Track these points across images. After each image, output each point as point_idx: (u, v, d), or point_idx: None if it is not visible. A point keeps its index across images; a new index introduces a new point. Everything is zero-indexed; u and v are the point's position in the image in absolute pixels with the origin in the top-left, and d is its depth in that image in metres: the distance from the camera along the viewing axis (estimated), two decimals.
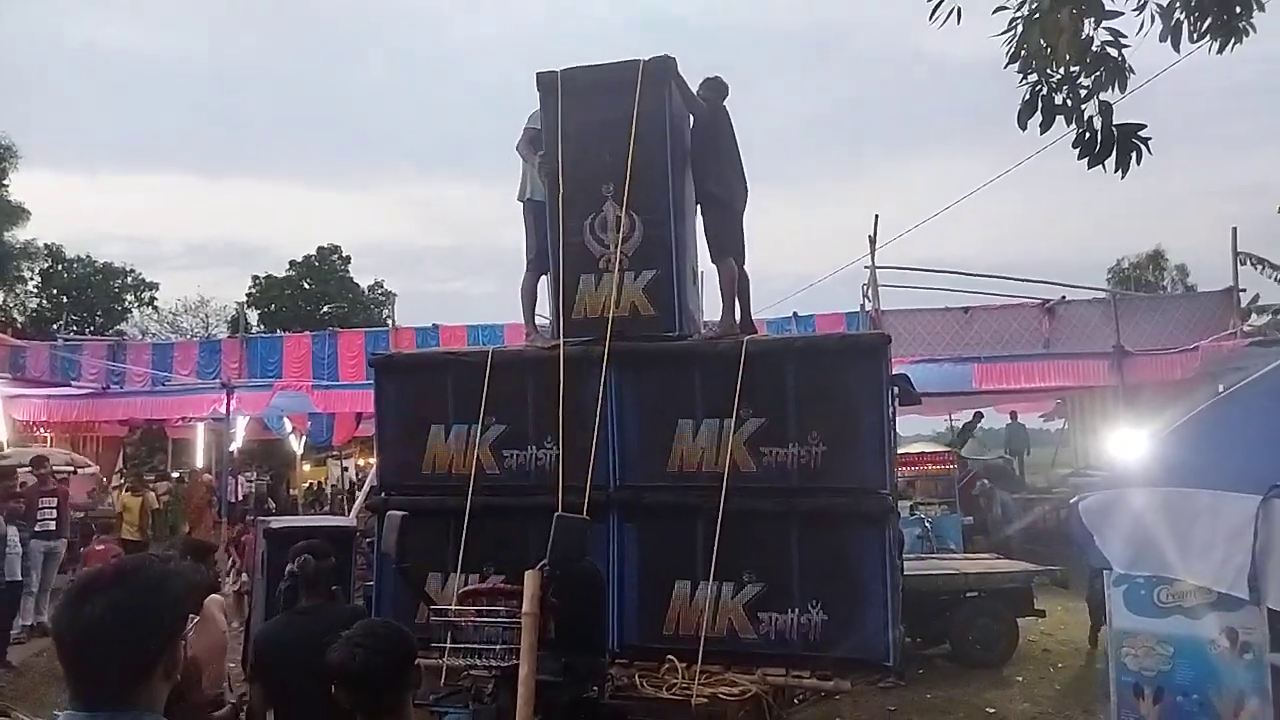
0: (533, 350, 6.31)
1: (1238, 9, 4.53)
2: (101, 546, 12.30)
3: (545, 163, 6.17)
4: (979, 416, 18.75)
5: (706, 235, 6.32)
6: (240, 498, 19.93)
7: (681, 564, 5.60)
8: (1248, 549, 2.15)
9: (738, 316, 6.41)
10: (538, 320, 6.77)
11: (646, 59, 5.98)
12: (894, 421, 5.92)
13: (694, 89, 6.31)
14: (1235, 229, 16.02)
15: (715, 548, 5.42)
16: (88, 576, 1.76)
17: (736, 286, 6.39)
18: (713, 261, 6.35)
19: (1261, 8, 4.56)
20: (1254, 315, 18.11)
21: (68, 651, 1.67)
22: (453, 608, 4.68)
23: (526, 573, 4.40)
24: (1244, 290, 16.76)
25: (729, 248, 6.34)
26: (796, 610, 5.39)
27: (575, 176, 6.07)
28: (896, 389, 5.80)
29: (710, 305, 6.69)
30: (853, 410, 5.49)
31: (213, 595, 4.53)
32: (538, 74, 6.20)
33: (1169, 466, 2.94)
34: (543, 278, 6.46)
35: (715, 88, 6.41)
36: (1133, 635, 4.71)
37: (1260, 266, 17.97)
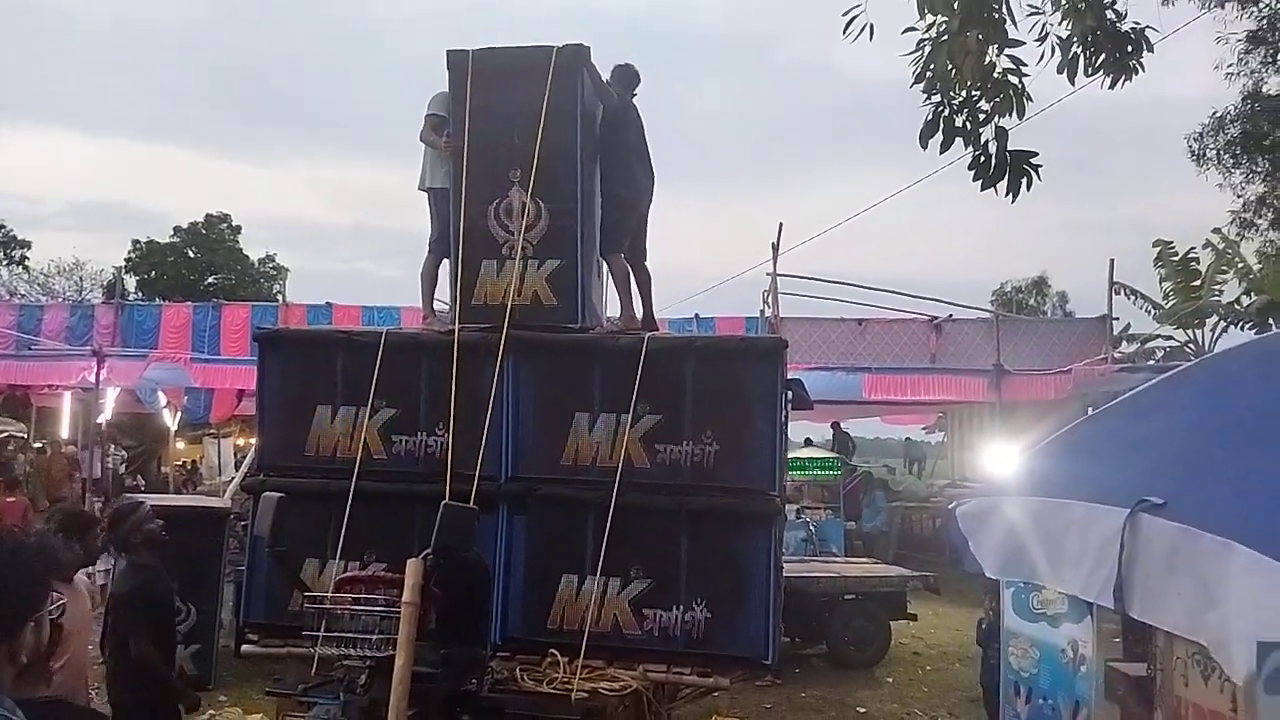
0: (429, 334, 6.16)
1: (1129, 48, 4.77)
2: (12, 499, 11.90)
3: (451, 142, 6.02)
4: (835, 426, 19.22)
5: (601, 229, 6.27)
6: (103, 473, 18.88)
7: (570, 558, 5.57)
8: (1115, 561, 2.24)
9: (639, 312, 6.40)
10: (436, 305, 6.61)
11: (561, 45, 5.90)
12: (786, 425, 6.02)
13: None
14: (1112, 260, 16.90)
15: (605, 543, 5.40)
16: None
17: (631, 281, 6.37)
18: (603, 255, 6.30)
19: (1151, 49, 4.82)
20: (1125, 343, 19.16)
21: None
22: (328, 595, 4.51)
23: (409, 561, 4.28)
24: (1117, 319, 17.72)
25: (621, 244, 6.29)
26: (681, 607, 5.42)
27: (482, 159, 5.95)
28: (790, 393, 5.90)
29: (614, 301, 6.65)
30: (747, 412, 5.56)
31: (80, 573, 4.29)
32: (448, 52, 6.05)
33: (1042, 479, 3.06)
34: (444, 262, 6.31)
35: (625, 77, 6.36)
36: (1016, 636, 4.95)
37: (1134, 297, 19.03)
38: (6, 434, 18.09)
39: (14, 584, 1.60)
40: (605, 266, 6.36)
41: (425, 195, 6.41)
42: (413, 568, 4.23)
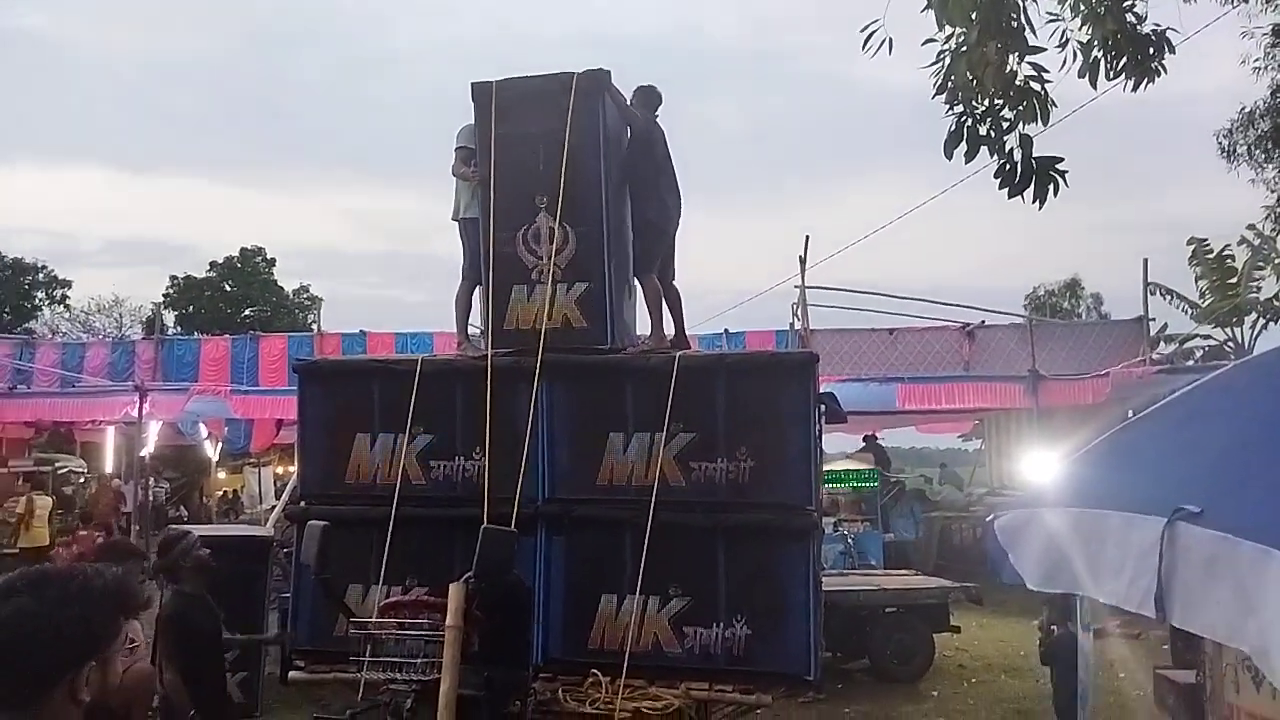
0: (463, 360, 6.25)
1: (1150, 50, 4.76)
2: (84, 532, 12.37)
3: (478, 171, 6.14)
4: (867, 439, 19.06)
5: (634, 252, 6.34)
6: (145, 505, 19.22)
7: (608, 578, 5.59)
8: (1154, 570, 2.24)
9: (670, 331, 6.45)
10: (470, 330, 6.70)
11: (580, 71, 6.00)
12: (820, 439, 6.02)
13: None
14: (1146, 261, 16.72)
15: (643, 561, 5.42)
16: (13, 576, 1.68)
17: (663, 301, 6.43)
18: (636, 276, 6.38)
19: (1172, 50, 4.80)
20: (1162, 344, 18.88)
21: None
22: (373, 620, 4.58)
23: (451, 585, 4.34)
24: (1154, 320, 17.49)
25: (653, 265, 6.36)
26: (721, 624, 5.42)
27: (508, 187, 6.04)
28: (824, 406, 5.90)
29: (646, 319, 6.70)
30: (780, 427, 5.57)
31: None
32: (472, 84, 6.17)
33: (1081, 488, 3.05)
34: (477, 288, 6.41)
35: (647, 98, 6.44)
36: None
37: (1169, 297, 18.77)
38: (66, 468, 18.61)
39: (80, 619, 1.63)
40: (636, 287, 6.42)
41: (457, 225, 6.53)
42: (455, 592, 4.29)
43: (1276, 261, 17.93)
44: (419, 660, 4.31)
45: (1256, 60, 16.94)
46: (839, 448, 17.70)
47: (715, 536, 5.52)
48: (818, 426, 5.80)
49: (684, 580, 5.51)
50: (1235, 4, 14.78)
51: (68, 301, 37.55)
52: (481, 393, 5.75)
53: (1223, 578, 2.05)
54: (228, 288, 38.92)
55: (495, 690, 4.45)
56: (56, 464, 19.28)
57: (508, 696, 4.61)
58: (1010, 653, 10.16)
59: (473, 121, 6.23)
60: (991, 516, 3.42)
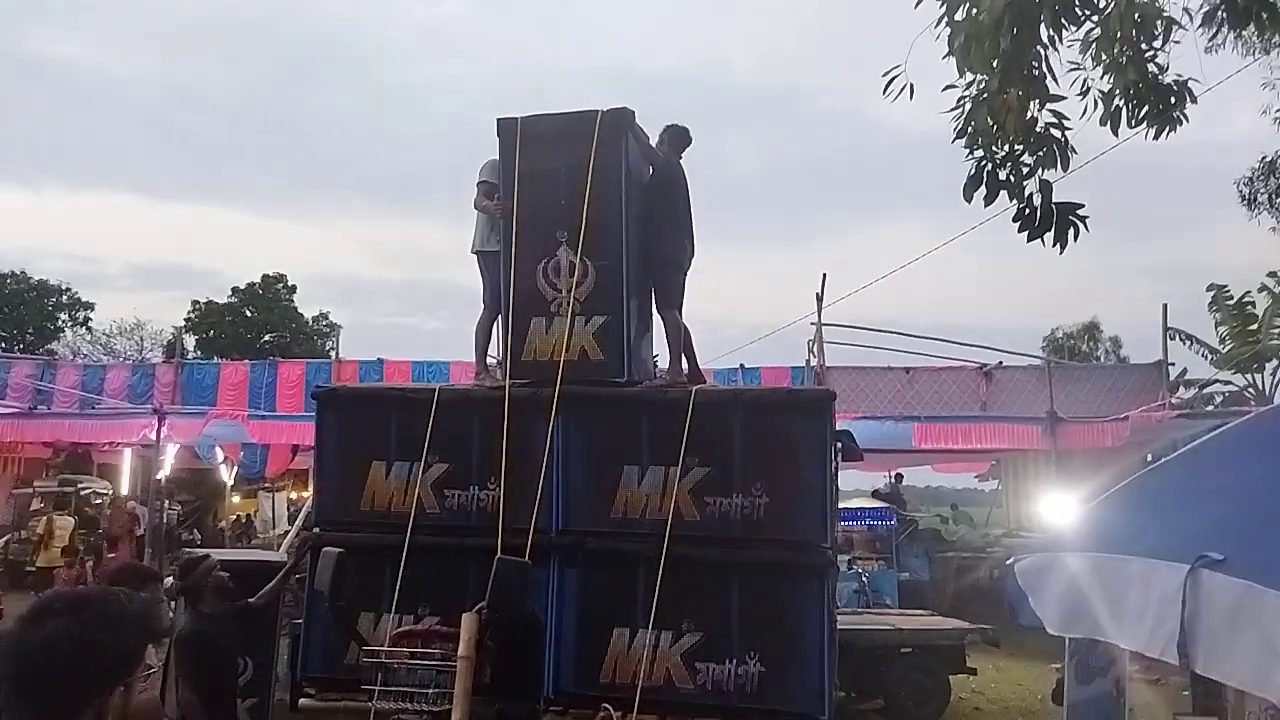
0: (480, 390, 6.29)
1: (1172, 99, 4.79)
2: (113, 555, 12.67)
3: (502, 204, 6.22)
4: (899, 478, 19.09)
5: (654, 289, 6.40)
6: (159, 527, 19.30)
7: (621, 611, 5.58)
8: (1177, 616, 2.23)
9: (685, 366, 6.48)
10: (489, 360, 6.75)
11: (605, 110, 6.09)
12: (836, 476, 6.00)
13: (653, 137, 6.43)
14: (1166, 305, 16.64)
15: (656, 596, 5.41)
16: (50, 596, 1.70)
17: (683, 336, 6.47)
18: (659, 312, 6.43)
19: (1194, 100, 4.83)
20: (1181, 388, 18.78)
21: (7, 667, 1.61)
22: (385, 649, 4.58)
23: (464, 615, 4.34)
24: (1173, 364, 17.38)
25: (674, 301, 6.43)
26: (734, 661, 5.39)
27: (530, 221, 6.12)
28: (840, 444, 5.90)
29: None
30: (796, 463, 5.57)
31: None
32: (499, 120, 6.28)
33: (1102, 532, 3.04)
34: (498, 319, 6.47)
35: (676, 138, 6.53)
36: (1077, 707, 4.79)
37: (1189, 342, 18.69)
38: (90, 489, 18.76)
39: (115, 643, 1.65)
40: (654, 321, 6.47)
41: (476, 257, 6.60)
42: (468, 622, 4.29)
43: None
44: (430, 690, 4.31)
45: (1277, 110, 16.97)
46: (854, 485, 17.62)
47: (729, 572, 5.51)
48: (834, 464, 5.79)
49: (697, 615, 5.49)
50: (1257, 56, 14.86)
51: (90, 324, 38.00)
52: (498, 423, 5.78)
53: (1247, 626, 2.04)
54: (248, 313, 39.26)
55: None
56: (80, 485, 19.44)
57: None
58: (1027, 696, 10.00)
59: (495, 156, 6.33)
60: (1012, 559, 3.41)
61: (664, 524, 5.53)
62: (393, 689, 4.45)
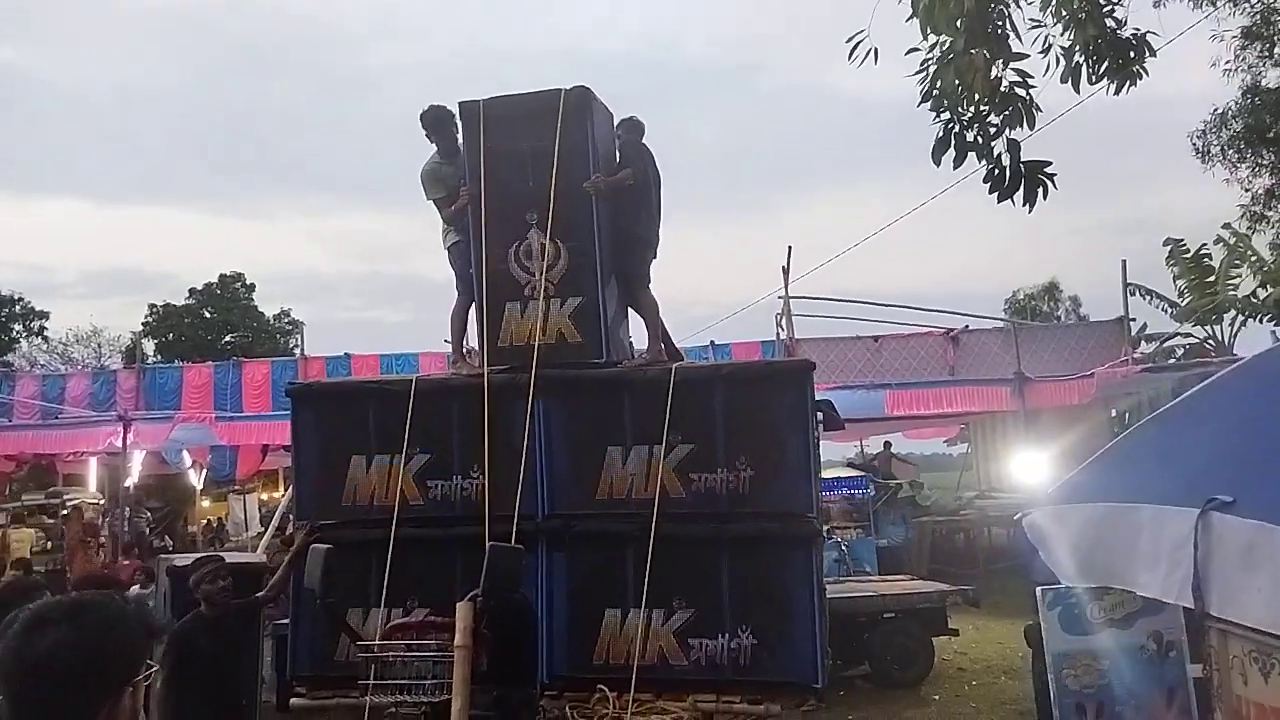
0: (458, 378, 6.23)
1: (1131, 54, 4.84)
2: (126, 561, 12.40)
3: (469, 190, 6.13)
4: (888, 445, 19.43)
5: (629, 269, 6.35)
6: (130, 535, 19.02)
7: (612, 592, 5.58)
8: (1190, 560, 2.26)
9: (662, 344, 6.46)
10: (465, 347, 6.69)
11: (568, 88, 6.02)
12: (818, 446, 6.04)
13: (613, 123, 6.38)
14: (1125, 261, 16.93)
15: (645, 575, 5.41)
16: (45, 606, 1.66)
17: (659, 315, 6.44)
18: (632, 291, 6.38)
19: (1153, 53, 4.88)
20: (1143, 343, 19.12)
21: (11, 683, 1.57)
22: (380, 642, 4.54)
23: (459, 604, 4.31)
24: (1134, 319, 17.72)
25: (646, 279, 6.39)
26: (726, 635, 5.41)
27: (499, 205, 6.05)
28: (820, 414, 5.92)
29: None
30: (779, 435, 5.58)
31: None
32: (460, 103, 6.19)
33: (1108, 483, 3.08)
34: (473, 305, 6.40)
35: (632, 128, 6.50)
36: (1070, 655, 4.90)
37: (1149, 297, 19.02)
38: (79, 500, 18.52)
39: (122, 646, 1.63)
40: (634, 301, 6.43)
41: (447, 251, 6.53)
42: (463, 611, 4.26)
43: (1253, 259, 18.21)
44: (428, 682, 4.28)
45: (1227, 63, 17.26)
46: (826, 457, 17.76)
47: (717, 547, 5.52)
48: (816, 433, 5.82)
49: (687, 592, 5.50)
50: (1203, 6, 15.07)
51: (45, 333, 37.18)
52: (478, 411, 5.73)
53: (1261, 565, 2.08)
54: (208, 314, 38.68)
55: (506, 709, 4.43)
56: (66, 496, 19.15)
57: (518, 715, 4.59)
58: (1009, 654, 10.17)
59: (427, 165, 6.30)
60: (1019, 514, 3.44)
61: (650, 503, 5.53)
62: (389, 682, 4.42)
